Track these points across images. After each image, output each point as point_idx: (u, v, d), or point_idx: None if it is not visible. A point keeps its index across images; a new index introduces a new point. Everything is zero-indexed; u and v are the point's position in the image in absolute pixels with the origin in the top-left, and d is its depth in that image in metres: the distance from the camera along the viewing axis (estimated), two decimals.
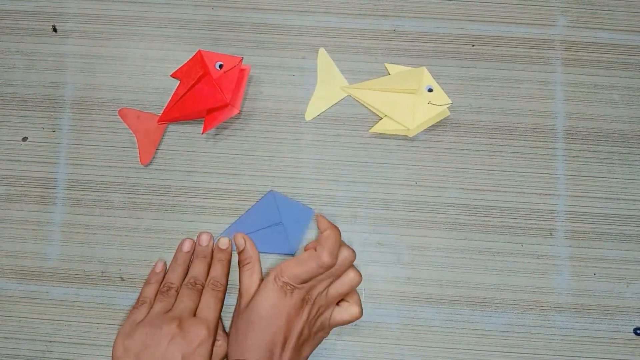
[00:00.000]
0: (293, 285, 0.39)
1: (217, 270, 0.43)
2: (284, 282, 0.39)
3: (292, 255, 0.45)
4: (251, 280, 0.41)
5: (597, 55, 0.47)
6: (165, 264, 0.44)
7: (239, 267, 0.43)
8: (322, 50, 0.47)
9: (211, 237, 0.45)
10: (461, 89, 0.47)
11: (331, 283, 0.40)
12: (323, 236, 0.40)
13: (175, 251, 0.45)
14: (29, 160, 0.46)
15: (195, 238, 0.45)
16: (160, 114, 0.46)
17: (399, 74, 0.46)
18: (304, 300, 0.39)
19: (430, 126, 0.46)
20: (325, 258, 0.38)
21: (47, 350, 0.44)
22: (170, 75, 0.46)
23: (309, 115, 0.46)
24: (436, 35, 0.47)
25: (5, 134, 0.47)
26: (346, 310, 0.41)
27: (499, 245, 0.45)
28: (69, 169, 0.46)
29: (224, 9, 0.48)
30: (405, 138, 0.46)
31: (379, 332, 0.44)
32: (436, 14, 0.48)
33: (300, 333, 0.39)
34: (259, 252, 0.44)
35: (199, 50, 0.44)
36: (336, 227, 0.40)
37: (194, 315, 0.40)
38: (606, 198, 0.46)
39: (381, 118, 0.46)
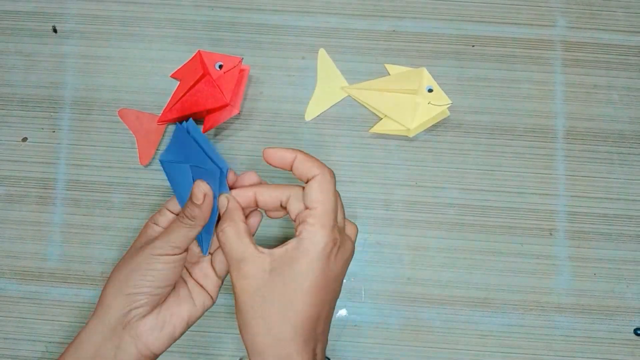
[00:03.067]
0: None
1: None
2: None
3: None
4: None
5: (597, 56, 0.47)
6: None
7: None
8: (322, 51, 0.47)
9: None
10: (461, 89, 0.47)
11: None
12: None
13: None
14: (29, 160, 0.46)
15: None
16: (160, 115, 0.46)
17: (398, 75, 0.46)
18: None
19: (430, 126, 0.46)
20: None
21: (47, 351, 0.44)
22: (170, 76, 0.46)
23: (308, 116, 0.46)
24: (436, 35, 0.47)
25: (5, 135, 0.47)
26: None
27: (499, 245, 0.45)
28: (69, 169, 0.46)
29: (223, 10, 0.48)
30: (405, 138, 0.46)
31: (379, 332, 0.44)
32: (436, 14, 0.48)
33: None
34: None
35: (199, 51, 0.45)
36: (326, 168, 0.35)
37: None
38: (606, 198, 0.46)
39: (381, 118, 0.46)
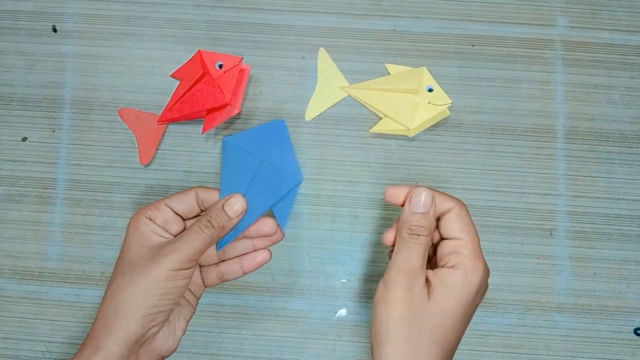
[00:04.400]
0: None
1: None
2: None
3: (300, 182, 0.38)
4: None
5: (597, 55, 0.47)
6: None
7: None
8: (322, 50, 0.47)
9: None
10: (461, 89, 0.47)
11: None
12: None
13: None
14: (29, 160, 0.46)
15: None
16: (160, 114, 0.46)
17: (399, 74, 0.46)
18: None
19: (431, 126, 0.45)
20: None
21: (47, 351, 0.44)
22: (170, 76, 0.46)
23: (308, 115, 0.46)
24: (436, 35, 0.47)
25: (4, 134, 0.47)
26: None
27: (499, 245, 0.45)
28: (69, 169, 0.46)
29: (223, 9, 0.48)
30: (405, 138, 0.46)
31: None
32: (436, 14, 0.48)
33: None
34: (266, 209, 0.37)
35: (199, 50, 0.44)
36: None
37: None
38: (606, 198, 0.46)
39: (381, 118, 0.46)
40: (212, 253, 0.38)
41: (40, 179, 0.46)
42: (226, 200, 0.34)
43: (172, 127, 0.46)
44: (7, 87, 0.47)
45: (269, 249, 0.39)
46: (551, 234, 0.45)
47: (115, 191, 0.46)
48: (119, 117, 0.46)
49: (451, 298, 0.32)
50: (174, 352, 0.35)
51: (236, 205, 0.34)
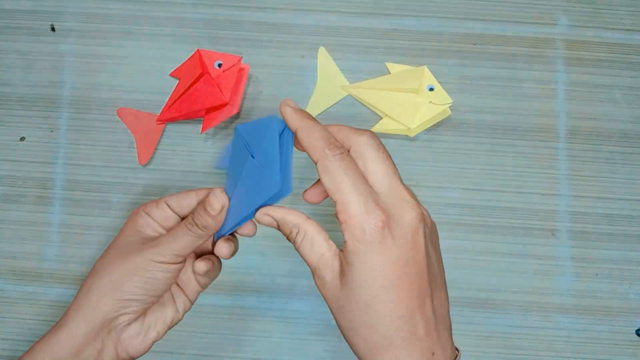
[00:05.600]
0: None
1: None
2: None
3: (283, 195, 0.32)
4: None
5: (599, 55, 0.47)
6: None
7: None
8: (322, 49, 0.47)
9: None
10: (462, 88, 0.46)
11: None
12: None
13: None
14: (27, 160, 0.46)
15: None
16: (158, 114, 0.45)
17: (399, 73, 0.46)
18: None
19: (431, 126, 0.45)
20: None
21: None
22: (169, 75, 0.46)
23: None
24: (437, 34, 0.47)
25: (2, 134, 0.46)
26: None
27: (501, 245, 0.45)
28: (67, 169, 0.46)
29: (222, 8, 0.47)
30: (406, 138, 0.46)
31: None
32: (437, 12, 0.47)
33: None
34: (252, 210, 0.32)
35: (198, 50, 0.44)
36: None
37: None
38: (608, 198, 0.45)
39: (382, 118, 0.46)
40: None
41: (39, 179, 0.46)
42: (206, 198, 0.33)
43: (170, 127, 0.46)
44: (5, 87, 0.47)
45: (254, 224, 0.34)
46: (553, 235, 0.45)
47: (114, 191, 0.46)
48: (117, 116, 0.46)
49: (362, 272, 0.27)
50: (142, 354, 0.34)
51: (214, 203, 0.32)
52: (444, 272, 0.31)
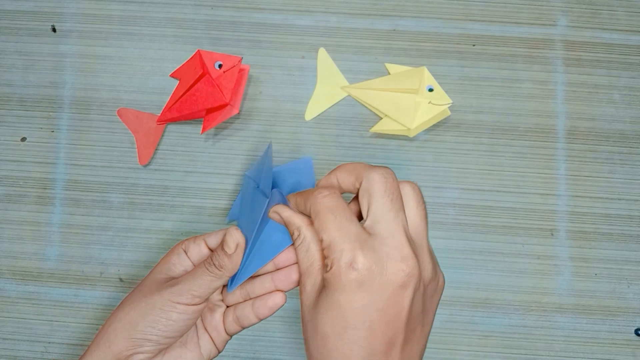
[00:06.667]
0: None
1: None
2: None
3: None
4: None
5: (598, 55, 0.47)
6: None
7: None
8: (322, 50, 0.47)
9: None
10: (462, 88, 0.47)
11: None
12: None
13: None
14: (28, 160, 0.46)
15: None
16: (159, 114, 0.45)
17: (399, 74, 0.46)
18: None
19: (431, 126, 0.45)
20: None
21: (46, 351, 0.44)
22: (170, 75, 0.46)
23: (308, 115, 0.46)
24: (437, 34, 0.47)
25: (3, 134, 0.47)
26: None
27: (500, 245, 0.45)
28: (68, 169, 0.46)
29: (223, 9, 0.48)
30: (405, 138, 0.46)
31: None
32: (437, 13, 0.48)
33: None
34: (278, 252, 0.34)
35: (198, 50, 0.44)
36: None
37: None
38: (607, 198, 0.46)
39: (381, 118, 0.46)
40: (236, 294, 0.35)
41: (39, 179, 0.46)
42: (224, 238, 0.32)
43: (171, 127, 0.46)
44: (6, 87, 0.47)
45: (284, 292, 0.34)
46: (552, 234, 0.45)
47: (115, 191, 0.46)
48: (118, 117, 0.46)
49: (330, 305, 0.28)
50: None
51: (229, 241, 0.32)
52: (430, 326, 0.31)
